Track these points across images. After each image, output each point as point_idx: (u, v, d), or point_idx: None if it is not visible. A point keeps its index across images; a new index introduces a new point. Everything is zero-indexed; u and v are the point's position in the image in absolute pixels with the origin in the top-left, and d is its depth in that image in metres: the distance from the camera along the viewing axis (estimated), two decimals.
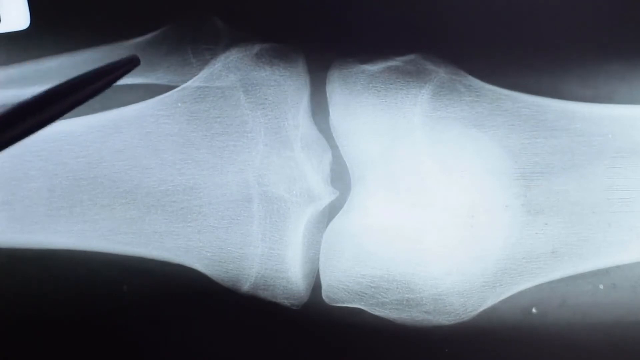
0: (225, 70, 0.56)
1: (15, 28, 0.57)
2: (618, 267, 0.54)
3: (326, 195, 0.56)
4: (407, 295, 0.55)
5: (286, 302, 0.56)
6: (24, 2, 0.57)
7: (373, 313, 0.55)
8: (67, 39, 0.57)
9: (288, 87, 0.56)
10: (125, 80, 0.58)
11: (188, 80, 0.56)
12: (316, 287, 0.56)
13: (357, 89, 0.55)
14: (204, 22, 0.56)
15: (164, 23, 0.57)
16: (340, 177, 0.56)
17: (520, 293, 0.54)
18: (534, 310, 0.54)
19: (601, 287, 0.54)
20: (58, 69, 0.58)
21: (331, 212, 0.56)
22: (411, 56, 0.55)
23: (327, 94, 0.55)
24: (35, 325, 0.59)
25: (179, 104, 0.56)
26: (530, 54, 0.54)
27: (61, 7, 0.58)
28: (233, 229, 0.56)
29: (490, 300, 0.54)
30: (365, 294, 0.55)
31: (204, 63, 0.56)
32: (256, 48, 0.56)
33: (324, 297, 0.56)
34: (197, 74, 0.56)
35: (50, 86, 0.32)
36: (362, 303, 0.55)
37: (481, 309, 0.55)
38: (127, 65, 0.35)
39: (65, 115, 0.59)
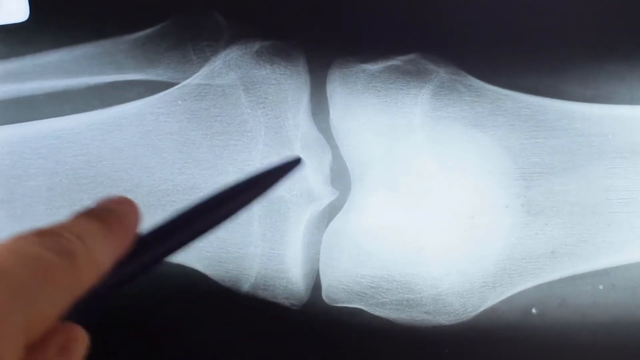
0: (226, 68, 0.56)
1: (14, 20, 0.57)
2: (617, 267, 0.54)
3: (326, 195, 0.56)
4: (407, 296, 0.55)
5: (286, 302, 0.56)
6: None
7: (373, 313, 0.55)
8: (67, 33, 0.57)
9: (288, 86, 0.56)
10: (124, 77, 0.58)
11: (188, 77, 0.56)
12: (316, 287, 0.56)
13: (357, 88, 0.55)
14: (205, 18, 0.56)
15: (165, 18, 0.57)
16: (340, 177, 0.56)
17: (520, 293, 0.54)
18: (533, 310, 0.54)
19: (601, 287, 0.54)
20: (57, 63, 0.58)
21: (331, 212, 0.56)
22: (411, 56, 0.55)
23: (328, 94, 0.55)
24: None
25: (179, 102, 0.56)
26: (530, 54, 0.54)
27: (61, 0, 0.58)
28: (233, 229, 0.56)
29: (490, 300, 0.54)
30: (365, 294, 0.55)
31: (205, 60, 0.56)
32: (257, 45, 0.56)
33: (324, 297, 0.56)
34: (197, 71, 0.56)
35: (208, 195, 0.31)
36: (362, 303, 0.55)
37: (481, 309, 0.54)
38: (291, 168, 0.33)
39: (65, 113, 0.59)
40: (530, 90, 0.54)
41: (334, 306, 0.56)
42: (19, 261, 0.24)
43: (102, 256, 0.26)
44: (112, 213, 0.28)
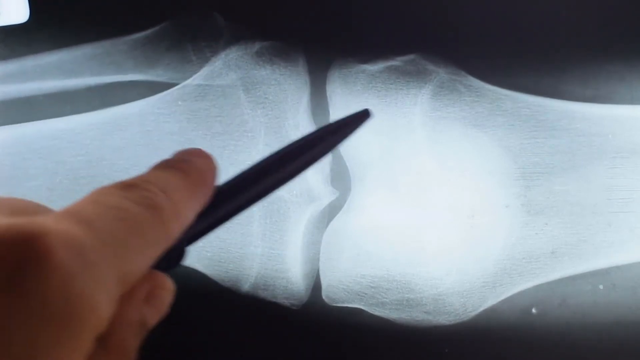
0: (226, 69, 0.56)
1: (15, 21, 0.57)
2: (618, 267, 0.54)
3: (326, 195, 0.56)
4: (407, 295, 0.55)
5: (286, 302, 0.56)
6: None
7: (373, 313, 0.55)
8: (67, 33, 0.57)
9: (288, 87, 0.56)
10: (124, 77, 0.58)
11: (188, 77, 0.56)
12: (316, 287, 0.56)
13: (357, 88, 0.55)
14: (204, 19, 0.56)
15: (164, 19, 0.57)
16: (340, 177, 0.56)
17: (520, 293, 0.54)
18: (533, 310, 0.54)
19: (601, 287, 0.54)
20: (57, 64, 0.58)
21: (331, 212, 0.56)
22: (411, 56, 0.55)
23: (328, 94, 0.55)
24: None
25: (179, 102, 0.56)
26: (530, 54, 0.54)
27: (61, 1, 0.58)
28: (233, 229, 0.56)
29: (490, 300, 0.54)
30: (365, 294, 0.55)
31: (204, 60, 0.56)
32: (256, 46, 0.56)
33: (324, 297, 0.56)
34: (197, 72, 0.56)
35: (280, 148, 0.31)
36: (362, 303, 0.55)
37: (481, 309, 0.54)
38: (361, 119, 0.33)
39: (65, 114, 0.59)
40: (530, 90, 0.54)
41: (334, 306, 0.56)
42: (106, 213, 0.23)
43: (185, 209, 0.26)
44: (191, 165, 0.27)
